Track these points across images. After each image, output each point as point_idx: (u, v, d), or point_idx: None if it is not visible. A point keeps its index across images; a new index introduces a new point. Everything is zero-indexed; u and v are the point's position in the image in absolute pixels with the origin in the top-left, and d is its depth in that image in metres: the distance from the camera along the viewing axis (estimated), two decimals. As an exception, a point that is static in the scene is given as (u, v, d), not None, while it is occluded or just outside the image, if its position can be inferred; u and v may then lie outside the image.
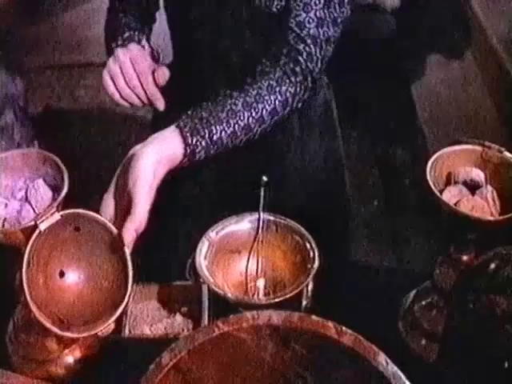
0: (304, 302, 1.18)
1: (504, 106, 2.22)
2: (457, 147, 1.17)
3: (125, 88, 1.33)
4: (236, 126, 1.21)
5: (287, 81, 1.25)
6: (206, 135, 1.17)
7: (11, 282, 1.16)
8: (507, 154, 1.17)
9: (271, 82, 1.25)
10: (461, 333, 0.99)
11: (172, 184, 1.50)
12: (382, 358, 0.86)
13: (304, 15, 1.26)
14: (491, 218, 1.12)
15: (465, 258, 1.19)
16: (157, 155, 1.13)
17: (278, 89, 1.24)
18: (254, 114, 1.22)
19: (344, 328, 0.89)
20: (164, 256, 1.46)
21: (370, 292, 1.31)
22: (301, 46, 1.26)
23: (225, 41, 1.38)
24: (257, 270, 1.22)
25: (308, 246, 1.19)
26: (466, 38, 2.23)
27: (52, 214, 1.04)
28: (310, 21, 1.26)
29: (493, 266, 0.96)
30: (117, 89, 1.33)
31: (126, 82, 1.33)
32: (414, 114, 2.69)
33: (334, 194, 1.64)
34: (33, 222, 1.03)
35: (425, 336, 1.25)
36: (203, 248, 1.18)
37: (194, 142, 1.16)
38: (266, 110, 1.23)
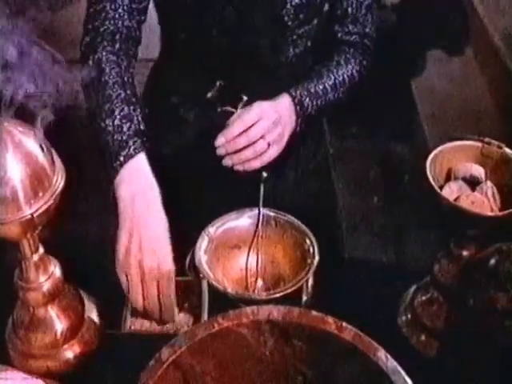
0: (304, 298, 1.18)
1: (504, 103, 2.22)
2: (457, 143, 1.17)
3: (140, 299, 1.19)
4: (326, 83, 1.41)
5: (358, 56, 1.49)
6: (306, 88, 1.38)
7: (10, 279, 1.16)
8: (507, 149, 1.17)
9: (347, 56, 1.47)
10: (461, 328, 0.99)
11: (172, 180, 1.51)
12: (381, 354, 0.86)
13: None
14: (491, 214, 1.11)
15: (465, 253, 1.19)
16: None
17: (352, 61, 1.47)
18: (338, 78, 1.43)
19: (344, 323, 0.89)
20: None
21: (370, 288, 1.31)
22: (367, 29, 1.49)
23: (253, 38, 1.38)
24: (257, 265, 1.22)
25: (307, 241, 1.19)
26: (467, 35, 2.23)
27: (48, 205, 1.04)
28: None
29: (493, 261, 0.96)
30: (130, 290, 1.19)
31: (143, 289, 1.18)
32: (414, 110, 2.68)
33: (322, 191, 1.64)
34: (30, 215, 1.03)
35: (424, 331, 1.25)
36: (203, 243, 1.19)
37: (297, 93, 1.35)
38: (347, 74, 1.45)
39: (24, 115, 1.03)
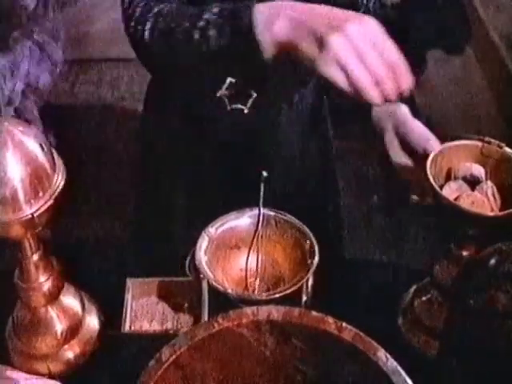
0: (304, 298, 1.18)
1: (504, 102, 2.22)
2: (457, 143, 1.17)
3: (360, 69, 1.02)
4: None
5: None
6: None
7: (10, 279, 1.16)
8: (507, 149, 1.17)
9: None
10: (461, 329, 0.99)
11: (172, 180, 1.51)
12: (381, 354, 0.86)
13: None
14: (491, 214, 1.11)
15: (465, 253, 1.19)
16: None
17: None
18: None
19: (344, 324, 0.89)
20: (164, 252, 1.46)
21: (370, 288, 1.31)
22: None
23: None
24: (257, 265, 1.22)
25: (308, 241, 1.19)
26: (467, 34, 2.23)
27: (48, 205, 1.04)
28: None
29: (493, 261, 0.96)
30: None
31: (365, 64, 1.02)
32: (414, 109, 2.68)
33: (326, 190, 1.64)
34: (30, 215, 1.03)
35: (425, 332, 1.25)
36: (203, 244, 1.18)
37: None
38: None
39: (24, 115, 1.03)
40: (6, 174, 1.00)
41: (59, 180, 1.06)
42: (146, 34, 1.17)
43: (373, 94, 1.03)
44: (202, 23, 1.11)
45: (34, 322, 1.18)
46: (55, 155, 1.07)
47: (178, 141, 1.47)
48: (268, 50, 1.06)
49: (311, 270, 1.15)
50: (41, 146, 1.03)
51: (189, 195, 1.49)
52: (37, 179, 1.03)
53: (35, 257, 1.13)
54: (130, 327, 1.20)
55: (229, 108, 1.35)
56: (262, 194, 1.22)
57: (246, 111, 1.29)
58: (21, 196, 1.02)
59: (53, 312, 1.19)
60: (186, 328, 1.17)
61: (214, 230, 1.21)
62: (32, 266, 1.13)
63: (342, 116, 1.63)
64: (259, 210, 1.22)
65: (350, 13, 1.05)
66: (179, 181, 1.49)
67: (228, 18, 1.09)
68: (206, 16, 1.11)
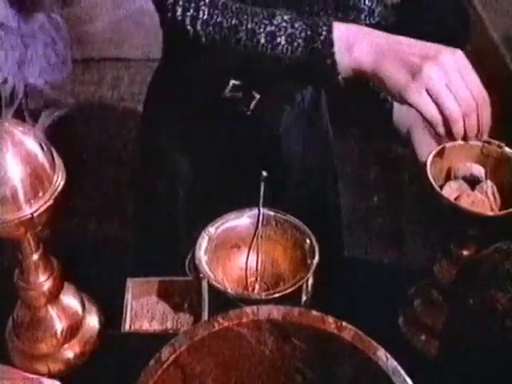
0: (304, 298, 1.18)
1: (504, 102, 2.22)
2: (457, 143, 1.17)
3: (449, 97, 1.02)
4: None
5: None
6: None
7: (10, 279, 1.16)
8: (507, 149, 1.17)
9: None
10: (461, 328, 0.99)
11: (172, 180, 1.51)
12: (381, 354, 0.86)
13: None
14: (491, 214, 1.12)
15: (465, 253, 1.19)
16: None
17: None
18: None
19: (344, 323, 0.89)
20: (164, 251, 1.46)
21: (370, 288, 1.31)
22: None
23: None
24: (256, 265, 1.22)
25: (308, 241, 1.19)
26: (466, 34, 2.23)
27: (48, 205, 1.04)
28: None
29: (493, 261, 0.96)
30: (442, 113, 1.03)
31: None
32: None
33: (326, 190, 1.64)
34: (30, 215, 1.03)
35: (425, 331, 1.25)
36: (203, 243, 1.18)
37: None
38: None
39: (24, 114, 1.03)
40: (5, 174, 1.00)
41: (59, 180, 1.06)
42: (198, 25, 1.12)
43: (460, 127, 1.04)
44: (271, 28, 1.07)
45: (34, 322, 1.18)
46: (55, 155, 1.07)
47: (178, 141, 1.47)
48: (345, 72, 1.05)
49: (311, 270, 1.15)
50: (41, 145, 1.03)
51: (189, 195, 1.50)
52: (37, 179, 1.03)
53: (35, 256, 1.13)
54: (130, 327, 1.20)
55: (231, 109, 1.35)
56: (261, 193, 1.22)
57: (248, 113, 1.29)
58: (21, 196, 1.02)
59: (53, 312, 1.19)
60: (186, 328, 1.17)
61: (213, 229, 1.21)
62: (32, 265, 1.13)
63: (342, 116, 1.63)
64: (259, 209, 1.22)
65: (441, 45, 1.05)
66: (179, 181, 1.49)
67: (302, 30, 1.06)
68: (276, 21, 1.07)
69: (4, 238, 1.08)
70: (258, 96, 1.28)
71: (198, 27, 1.12)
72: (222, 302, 1.14)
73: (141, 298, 1.23)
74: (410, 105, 1.02)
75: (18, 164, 1.01)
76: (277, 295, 1.12)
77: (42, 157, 1.04)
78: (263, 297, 1.13)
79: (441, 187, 1.14)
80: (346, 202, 1.75)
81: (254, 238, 1.22)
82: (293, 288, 1.13)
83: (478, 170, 1.17)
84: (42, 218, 1.05)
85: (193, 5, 1.12)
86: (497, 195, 1.14)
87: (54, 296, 1.17)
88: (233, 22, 1.10)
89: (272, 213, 1.22)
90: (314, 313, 0.91)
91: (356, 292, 1.31)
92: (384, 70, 1.02)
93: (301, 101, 1.46)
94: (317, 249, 1.17)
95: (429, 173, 1.13)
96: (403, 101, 1.03)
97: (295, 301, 1.15)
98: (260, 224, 1.22)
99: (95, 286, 1.28)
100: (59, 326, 1.19)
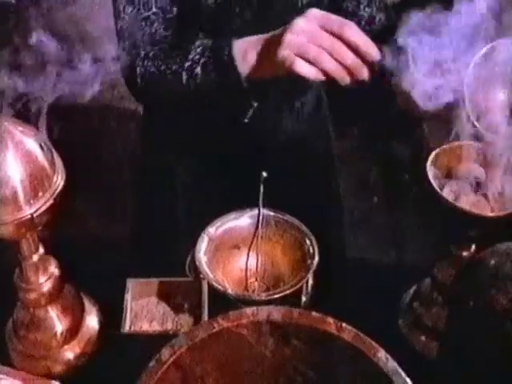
0: (304, 298, 1.18)
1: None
2: (457, 143, 1.17)
3: (319, 53, 1.07)
4: None
5: None
6: None
7: (10, 279, 1.16)
8: None
9: None
10: (461, 329, 0.99)
11: (172, 180, 1.51)
12: (382, 355, 0.86)
13: None
14: (491, 215, 1.11)
15: (465, 254, 1.19)
16: None
17: None
18: None
19: (344, 324, 0.89)
20: (164, 252, 1.46)
21: (370, 288, 1.31)
22: None
23: None
24: (256, 265, 1.22)
25: (307, 241, 1.19)
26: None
27: (48, 205, 1.04)
28: None
29: (492, 262, 0.96)
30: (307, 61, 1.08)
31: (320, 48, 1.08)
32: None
33: (327, 191, 1.64)
34: (29, 215, 1.03)
35: (425, 333, 1.25)
36: (203, 244, 1.19)
37: None
38: None
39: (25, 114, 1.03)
40: (6, 174, 1.00)
41: (59, 180, 1.06)
42: (139, 79, 1.26)
43: (342, 75, 1.08)
44: (188, 63, 1.20)
45: (34, 323, 1.18)
46: (55, 155, 1.07)
47: (178, 142, 1.47)
48: (248, 78, 1.15)
49: (311, 271, 1.15)
50: (41, 146, 1.03)
51: (189, 195, 1.49)
52: (36, 180, 1.03)
53: (35, 257, 1.13)
54: (130, 328, 1.20)
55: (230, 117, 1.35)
56: (261, 194, 1.22)
57: (246, 121, 1.29)
58: (21, 196, 1.02)
59: (53, 312, 1.19)
60: (186, 328, 1.17)
61: (213, 230, 1.21)
62: (32, 266, 1.13)
63: (342, 117, 1.63)
64: (259, 210, 1.22)
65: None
66: (179, 181, 1.49)
67: (211, 56, 1.18)
68: (191, 56, 1.20)
69: (4, 239, 1.08)
70: (255, 104, 1.29)
71: (139, 81, 1.27)
72: (222, 302, 1.14)
73: (141, 298, 1.23)
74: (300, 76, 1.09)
75: (18, 164, 1.01)
76: (277, 296, 1.12)
77: (41, 157, 1.04)
78: (263, 297, 1.13)
79: (441, 188, 1.14)
80: (346, 202, 1.75)
81: (253, 238, 1.22)
82: (293, 289, 1.13)
83: (479, 171, 1.17)
84: (42, 219, 1.05)
85: (133, 65, 1.27)
86: (497, 196, 1.14)
87: (53, 297, 1.17)
88: (161, 68, 1.24)
89: (272, 213, 1.22)
90: (314, 314, 0.91)
91: (356, 293, 1.31)
92: (268, 61, 1.12)
93: (300, 107, 1.46)
94: (317, 249, 1.17)
95: (429, 173, 1.13)
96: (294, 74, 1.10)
97: (295, 301, 1.15)
98: (260, 225, 1.22)
99: (95, 286, 1.28)
100: (59, 326, 1.19)
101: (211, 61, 1.18)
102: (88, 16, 3.18)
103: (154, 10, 1.28)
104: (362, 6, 1.38)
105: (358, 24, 1.27)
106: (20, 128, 1.03)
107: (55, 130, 1.07)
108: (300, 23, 1.08)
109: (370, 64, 1.08)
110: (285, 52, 1.08)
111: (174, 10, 1.30)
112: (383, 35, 1.12)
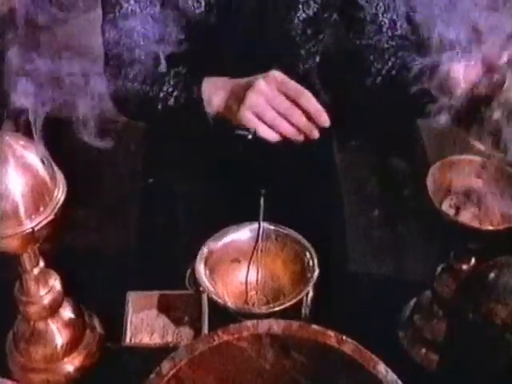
0: (304, 311, 1.18)
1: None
2: (457, 157, 1.17)
3: (276, 118, 1.21)
4: None
5: None
6: None
7: (11, 292, 1.16)
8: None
9: None
10: (461, 342, 0.99)
11: (173, 194, 1.51)
12: (381, 367, 0.86)
13: None
14: (491, 228, 1.12)
15: (465, 267, 1.19)
16: None
17: None
18: None
19: (344, 337, 0.89)
20: (164, 265, 1.46)
21: (370, 301, 1.32)
22: None
23: None
24: (256, 279, 1.22)
25: (307, 254, 1.19)
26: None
27: (49, 220, 1.05)
28: None
29: (492, 275, 0.96)
30: (265, 123, 1.22)
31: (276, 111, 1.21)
32: (413, 122, 2.68)
33: (330, 204, 1.64)
34: (30, 230, 1.03)
35: (425, 345, 1.25)
36: (203, 257, 1.19)
37: None
38: None
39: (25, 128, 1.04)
40: (7, 189, 1.01)
41: (60, 195, 1.07)
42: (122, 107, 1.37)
43: (296, 136, 1.23)
44: (162, 94, 1.31)
45: (35, 336, 1.18)
46: (56, 169, 1.08)
47: (179, 157, 1.48)
48: (213, 117, 1.28)
49: (311, 284, 1.15)
50: (42, 160, 1.04)
51: (189, 208, 1.50)
52: (38, 194, 1.03)
53: (35, 271, 1.13)
54: (131, 340, 1.20)
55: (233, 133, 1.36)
56: (262, 207, 1.22)
57: (250, 137, 1.30)
58: (22, 210, 1.02)
59: (53, 325, 1.19)
60: (187, 341, 1.17)
61: (214, 243, 1.21)
62: (32, 279, 1.13)
63: (343, 131, 1.63)
64: (259, 223, 1.22)
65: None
66: (179, 194, 1.50)
67: (182, 91, 1.30)
68: (165, 87, 1.31)
69: (4, 252, 1.08)
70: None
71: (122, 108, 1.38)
72: (222, 315, 1.14)
73: (141, 311, 1.23)
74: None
75: (19, 178, 1.01)
76: (277, 309, 1.12)
77: (42, 171, 1.04)
78: (263, 311, 1.13)
79: (441, 201, 1.14)
80: (346, 215, 1.75)
81: (254, 251, 1.22)
82: (293, 302, 1.13)
83: (478, 185, 1.17)
84: (43, 233, 1.05)
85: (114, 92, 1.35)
86: (496, 209, 1.14)
87: (54, 310, 1.17)
88: (140, 92, 1.34)
89: (272, 227, 1.23)
90: (314, 326, 0.91)
91: (356, 305, 1.31)
92: (229, 110, 1.25)
93: None
94: (316, 262, 1.17)
95: (429, 187, 1.13)
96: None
97: (295, 314, 1.15)
98: (260, 238, 1.22)
99: (95, 299, 1.28)
100: (59, 339, 1.19)
101: (182, 96, 1.29)
102: (82, 32, 3.19)
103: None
104: (379, 14, 1.39)
105: (380, 31, 1.32)
106: (21, 142, 1.03)
107: (54, 143, 1.07)
108: (261, 84, 1.20)
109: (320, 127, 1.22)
110: (247, 112, 1.20)
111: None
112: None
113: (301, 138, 1.22)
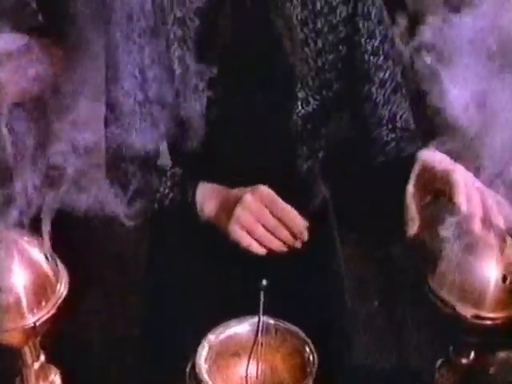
0: (305, 406, 1.17)
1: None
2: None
3: (265, 235, 1.28)
4: None
5: None
6: None
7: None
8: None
9: None
10: None
11: (173, 287, 1.52)
12: None
13: None
14: (490, 323, 1.11)
15: (464, 361, 1.19)
16: None
17: None
18: None
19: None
20: (165, 360, 1.45)
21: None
22: None
23: None
24: (257, 373, 1.22)
25: (307, 349, 1.19)
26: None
27: (50, 314, 1.05)
28: None
29: (492, 370, 0.96)
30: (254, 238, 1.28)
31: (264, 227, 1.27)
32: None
33: (333, 299, 1.64)
34: (32, 324, 1.04)
35: None
36: (203, 351, 1.18)
37: None
38: None
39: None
40: (10, 283, 1.02)
41: (62, 289, 1.08)
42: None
43: (281, 248, 1.28)
44: (158, 195, 1.35)
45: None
46: (59, 264, 1.09)
47: (180, 254, 1.49)
48: (207, 220, 1.33)
49: (311, 378, 1.15)
50: (45, 256, 1.05)
51: (188, 302, 1.50)
52: (40, 288, 1.04)
53: (36, 365, 1.13)
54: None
55: None
56: (261, 301, 1.23)
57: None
58: (24, 304, 1.03)
59: (54, 420, 1.18)
60: None
61: (214, 337, 1.21)
62: (32, 375, 1.13)
63: (343, 223, 1.65)
64: (259, 317, 1.22)
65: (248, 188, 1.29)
66: (180, 290, 1.50)
67: (177, 194, 1.35)
68: (161, 189, 1.36)
69: (5, 345, 1.08)
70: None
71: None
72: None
73: (142, 406, 1.22)
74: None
75: (23, 273, 1.03)
76: (277, 404, 1.12)
77: (46, 266, 1.06)
78: (264, 407, 1.13)
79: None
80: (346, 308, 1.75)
81: (253, 345, 1.22)
82: (293, 396, 1.13)
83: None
84: (44, 327, 1.06)
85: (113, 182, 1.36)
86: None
87: (54, 404, 1.17)
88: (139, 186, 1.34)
89: (272, 321, 1.23)
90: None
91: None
92: (219, 219, 1.31)
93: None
94: (316, 357, 1.17)
95: (429, 280, 1.14)
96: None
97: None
98: (260, 332, 1.22)
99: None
100: (59, 433, 1.19)
101: (178, 199, 1.35)
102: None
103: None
104: (384, 44, 1.39)
105: (386, 61, 1.38)
106: (25, 238, 1.05)
107: (59, 233, 1.09)
108: (248, 199, 1.26)
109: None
110: (236, 227, 1.26)
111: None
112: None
113: (285, 249, 1.29)
